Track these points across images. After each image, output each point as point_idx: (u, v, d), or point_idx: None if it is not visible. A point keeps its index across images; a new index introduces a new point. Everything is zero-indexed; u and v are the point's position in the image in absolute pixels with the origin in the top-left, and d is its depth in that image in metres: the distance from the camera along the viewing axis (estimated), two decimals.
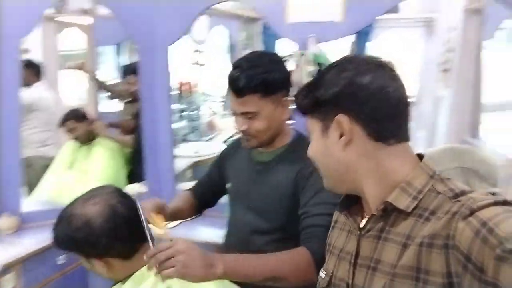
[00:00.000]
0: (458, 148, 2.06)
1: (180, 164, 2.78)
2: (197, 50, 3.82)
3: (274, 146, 1.27)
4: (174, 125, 3.22)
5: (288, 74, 1.24)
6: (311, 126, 0.79)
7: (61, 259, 1.85)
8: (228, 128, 3.87)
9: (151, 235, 0.95)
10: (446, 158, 2.00)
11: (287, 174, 1.22)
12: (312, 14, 1.72)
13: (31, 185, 2.45)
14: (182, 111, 3.65)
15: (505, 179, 1.68)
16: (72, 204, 1.00)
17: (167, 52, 2.07)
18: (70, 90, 3.42)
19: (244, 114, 1.19)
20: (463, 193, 0.66)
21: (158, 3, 2.03)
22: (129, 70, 2.67)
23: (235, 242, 1.37)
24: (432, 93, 3.18)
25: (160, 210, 1.19)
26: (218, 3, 1.92)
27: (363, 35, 3.66)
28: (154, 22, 2.03)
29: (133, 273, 1.00)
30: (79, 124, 2.45)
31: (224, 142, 3.56)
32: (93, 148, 2.51)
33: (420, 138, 3.27)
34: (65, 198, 2.47)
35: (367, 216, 0.76)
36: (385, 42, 4.04)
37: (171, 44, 2.06)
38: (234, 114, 1.22)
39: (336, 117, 0.72)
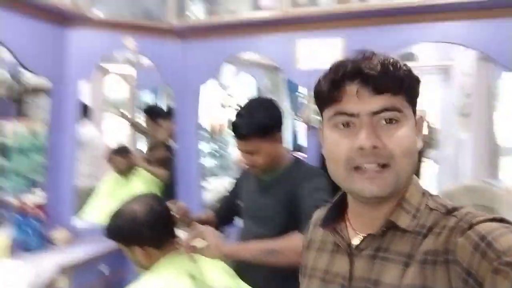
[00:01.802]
0: (471, 186, 2.17)
1: (210, 196, 3.09)
2: (228, 94, 4.26)
3: (275, 169, 1.54)
4: (207, 162, 3.57)
5: (280, 115, 1.52)
6: (401, 105, 0.66)
7: (105, 268, 2.16)
8: None
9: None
10: (460, 196, 2.13)
11: (286, 189, 1.49)
12: (317, 62, 2.07)
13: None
14: (215, 150, 4.03)
15: None
16: (122, 205, 1.32)
17: (198, 92, 2.43)
18: (111, 130, 3.85)
19: (247, 152, 1.49)
20: (455, 209, 0.65)
21: (189, 50, 2.41)
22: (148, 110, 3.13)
23: None
24: (453, 137, 3.29)
25: (185, 213, 1.54)
26: (239, 52, 2.30)
27: None
28: (185, 67, 2.41)
29: (158, 260, 1.25)
30: (123, 159, 2.82)
31: None
32: (132, 178, 2.85)
33: (443, 181, 3.40)
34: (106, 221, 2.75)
35: (362, 235, 0.71)
36: None
37: (201, 85, 2.42)
38: (239, 150, 1.53)
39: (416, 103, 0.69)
